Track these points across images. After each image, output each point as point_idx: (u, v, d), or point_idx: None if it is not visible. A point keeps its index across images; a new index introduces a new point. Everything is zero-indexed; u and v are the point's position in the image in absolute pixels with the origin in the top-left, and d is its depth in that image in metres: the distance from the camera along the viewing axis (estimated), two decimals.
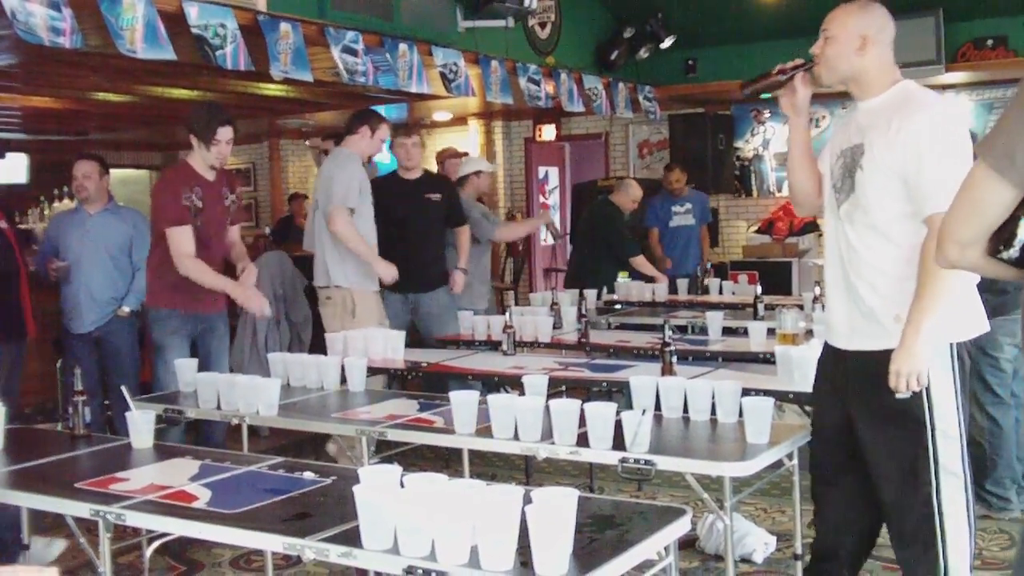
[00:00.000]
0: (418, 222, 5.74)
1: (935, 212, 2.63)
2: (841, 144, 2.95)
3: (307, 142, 11.76)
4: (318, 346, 5.48)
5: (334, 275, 5.29)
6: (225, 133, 4.60)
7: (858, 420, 2.90)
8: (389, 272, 5.28)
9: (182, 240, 4.54)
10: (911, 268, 2.74)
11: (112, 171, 5.52)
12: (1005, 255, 1.67)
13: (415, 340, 5.53)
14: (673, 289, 6.90)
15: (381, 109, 9.49)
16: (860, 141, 2.85)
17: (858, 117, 2.93)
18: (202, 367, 4.24)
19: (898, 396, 2.76)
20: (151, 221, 4.85)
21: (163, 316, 4.67)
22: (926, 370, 2.73)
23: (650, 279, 7.02)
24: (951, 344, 2.81)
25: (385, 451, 3.39)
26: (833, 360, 3.00)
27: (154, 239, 4.76)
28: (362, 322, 5.17)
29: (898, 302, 2.77)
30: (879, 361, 2.78)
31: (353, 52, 5.36)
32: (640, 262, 7.13)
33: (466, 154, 7.80)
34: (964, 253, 1.73)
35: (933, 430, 2.79)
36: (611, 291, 6.73)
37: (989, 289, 4.09)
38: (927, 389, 2.77)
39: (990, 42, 7.94)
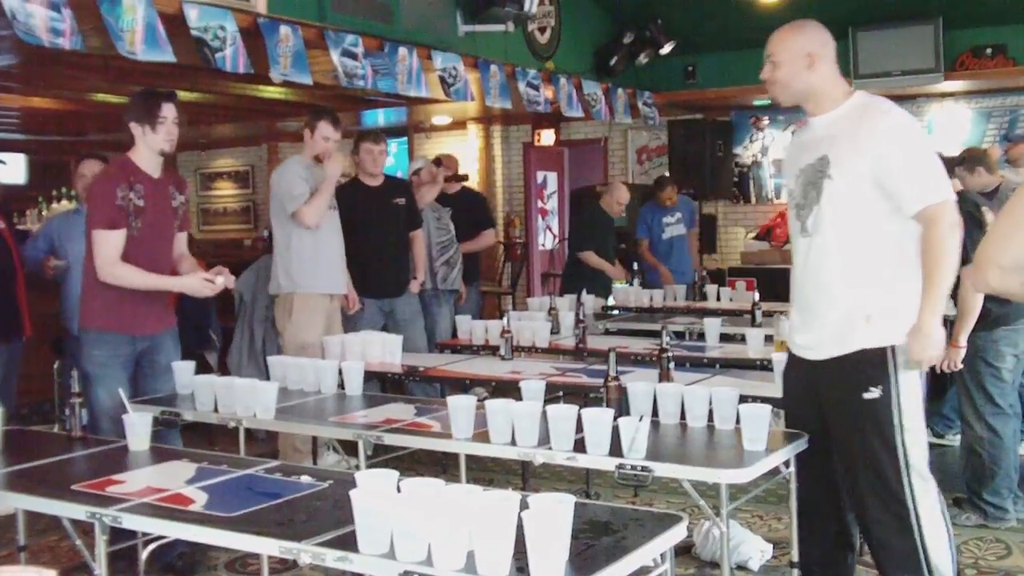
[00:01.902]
0: (388, 228, 5.74)
1: (928, 204, 2.80)
2: (799, 164, 3.05)
3: None
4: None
5: (282, 281, 5.13)
6: (169, 109, 4.01)
7: (832, 425, 3.00)
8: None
9: (108, 245, 3.87)
10: (895, 266, 2.88)
11: None
12: None
13: None
14: (671, 295, 6.91)
15: (380, 112, 9.56)
16: (823, 154, 2.95)
17: (815, 133, 3.04)
18: (146, 388, 4.03)
19: (866, 396, 2.86)
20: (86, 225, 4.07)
21: (93, 340, 3.98)
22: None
23: (653, 282, 7.05)
24: None
25: (382, 455, 3.39)
26: (804, 371, 3.08)
27: (89, 246, 4.02)
28: (300, 325, 5.07)
29: (872, 302, 2.88)
30: (852, 363, 2.90)
31: (353, 55, 5.37)
32: (587, 256, 7.28)
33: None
34: (1005, 279, 1.73)
35: (902, 431, 2.88)
36: (603, 295, 6.78)
37: (994, 299, 4.12)
38: (896, 389, 2.86)
39: (989, 50, 7.95)
